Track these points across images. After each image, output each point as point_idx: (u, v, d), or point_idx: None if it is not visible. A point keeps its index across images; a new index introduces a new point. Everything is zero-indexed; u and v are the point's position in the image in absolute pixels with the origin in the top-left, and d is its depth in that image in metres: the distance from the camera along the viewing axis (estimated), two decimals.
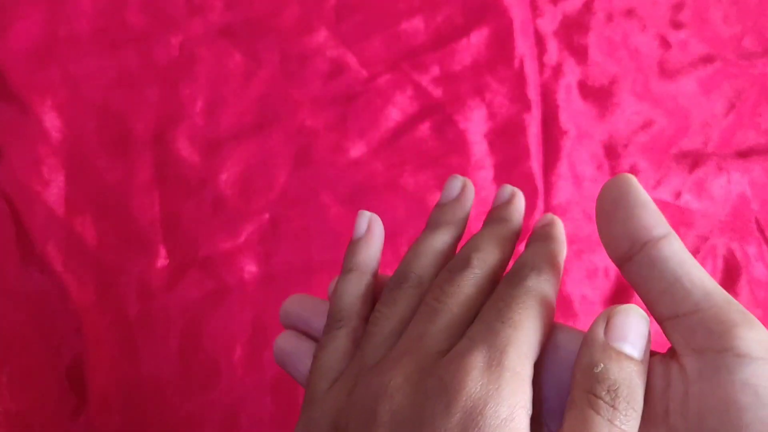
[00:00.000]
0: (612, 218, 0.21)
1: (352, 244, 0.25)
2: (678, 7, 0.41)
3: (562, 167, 0.38)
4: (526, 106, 0.39)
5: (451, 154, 0.38)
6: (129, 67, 0.39)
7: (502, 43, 0.40)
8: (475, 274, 0.22)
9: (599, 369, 0.18)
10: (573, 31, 0.41)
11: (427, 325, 0.21)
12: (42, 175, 0.37)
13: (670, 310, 0.19)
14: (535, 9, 0.41)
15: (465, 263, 0.23)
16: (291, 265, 0.37)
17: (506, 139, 0.39)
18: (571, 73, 0.40)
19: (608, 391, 0.18)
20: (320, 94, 0.39)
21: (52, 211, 0.37)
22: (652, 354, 0.20)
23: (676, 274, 0.19)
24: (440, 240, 0.25)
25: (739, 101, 0.40)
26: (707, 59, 0.41)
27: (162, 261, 0.37)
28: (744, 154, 0.40)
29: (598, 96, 0.40)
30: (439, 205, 0.26)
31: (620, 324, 0.19)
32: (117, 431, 0.34)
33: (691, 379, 0.18)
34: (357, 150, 0.39)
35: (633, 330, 0.19)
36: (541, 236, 0.24)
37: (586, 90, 0.40)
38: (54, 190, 0.37)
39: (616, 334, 0.19)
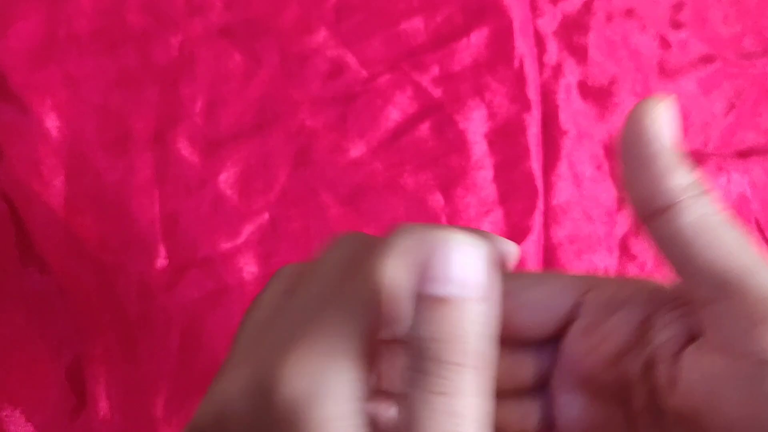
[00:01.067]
0: (634, 175, 0.17)
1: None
2: (678, 7, 0.41)
3: (562, 167, 0.39)
4: (526, 106, 0.39)
5: (451, 154, 0.38)
6: (129, 67, 0.39)
7: (502, 43, 0.40)
8: None
9: (411, 330, 0.14)
10: (573, 31, 0.41)
11: None
12: (42, 175, 0.37)
13: (688, 292, 0.16)
14: (535, 9, 0.41)
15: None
16: None
17: (506, 139, 0.39)
18: (571, 73, 0.40)
19: (418, 356, 0.14)
20: (320, 94, 0.39)
21: (52, 211, 0.37)
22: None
23: (689, 253, 0.16)
24: None
25: (739, 101, 0.40)
26: (707, 59, 0.41)
27: (162, 261, 0.37)
28: (744, 154, 0.40)
29: (598, 96, 0.40)
30: None
31: (434, 263, 0.14)
32: (117, 431, 0.34)
33: (710, 372, 0.16)
34: (357, 150, 0.39)
35: (448, 263, 0.14)
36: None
37: (586, 90, 0.40)
38: (54, 190, 0.37)
39: (426, 276, 0.14)
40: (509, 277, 0.19)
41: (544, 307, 0.19)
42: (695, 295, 0.16)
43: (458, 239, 0.14)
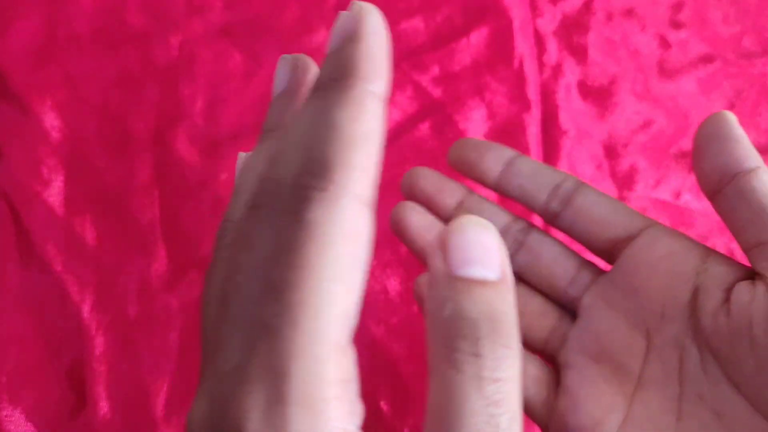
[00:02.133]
0: (706, 152, 0.21)
1: (274, 101, 0.20)
2: (677, 7, 0.41)
3: (562, 167, 0.39)
4: (526, 106, 0.39)
5: None
6: (129, 67, 0.39)
7: (501, 43, 0.40)
8: None
9: (448, 312, 0.14)
10: (572, 31, 0.41)
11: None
12: (42, 175, 0.37)
13: (755, 238, 0.20)
14: (534, 9, 0.41)
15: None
16: None
17: (506, 138, 0.39)
18: (571, 73, 0.40)
19: (466, 337, 0.14)
20: None
21: (52, 211, 0.37)
22: (741, 278, 0.20)
23: (762, 203, 0.20)
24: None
25: (738, 101, 0.40)
26: (707, 59, 0.41)
27: (162, 261, 0.37)
28: None
29: (598, 96, 0.40)
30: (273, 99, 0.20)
31: (460, 244, 0.15)
32: (117, 431, 0.34)
33: None
34: None
35: (478, 245, 0.15)
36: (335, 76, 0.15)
37: (585, 90, 0.40)
38: (54, 190, 0.37)
39: (458, 259, 0.14)
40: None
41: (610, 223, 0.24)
42: (756, 239, 0.20)
43: (477, 221, 0.15)
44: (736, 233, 0.21)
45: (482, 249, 0.15)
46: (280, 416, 0.12)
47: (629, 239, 0.23)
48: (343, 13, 0.16)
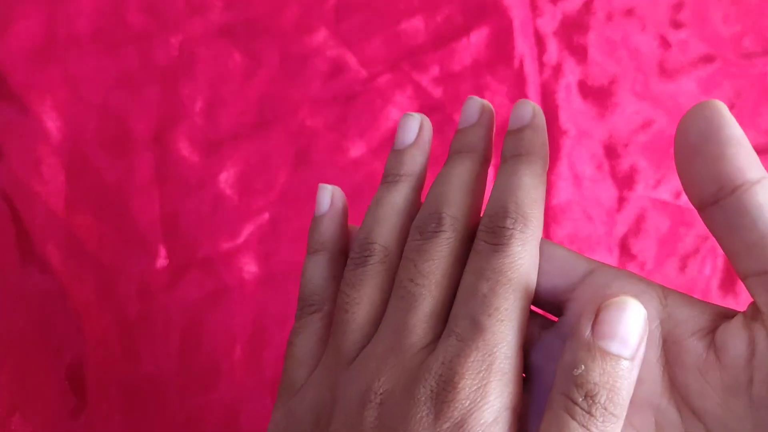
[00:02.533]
0: (698, 154, 0.17)
1: (315, 222, 0.24)
2: (678, 7, 0.41)
3: (562, 167, 0.39)
4: None
5: None
6: (129, 67, 0.39)
7: (502, 43, 0.40)
8: (449, 239, 0.20)
9: (579, 371, 0.17)
10: (573, 31, 0.41)
11: (407, 315, 0.19)
12: (42, 175, 0.37)
13: (757, 265, 0.16)
14: (534, 9, 0.41)
15: (436, 225, 0.20)
16: (291, 265, 0.37)
17: None
18: (571, 73, 0.40)
19: (585, 396, 0.16)
20: (320, 94, 0.39)
21: (52, 211, 0.37)
22: (732, 315, 0.18)
23: (760, 224, 0.16)
24: (401, 196, 0.23)
25: (739, 101, 0.40)
26: (707, 59, 0.41)
27: (162, 261, 0.37)
28: None
29: (598, 96, 0.40)
30: (396, 152, 0.24)
31: (610, 319, 0.17)
32: (117, 431, 0.34)
33: None
34: (357, 150, 0.39)
35: (624, 325, 0.17)
36: (519, 152, 0.21)
37: (585, 90, 0.40)
38: (54, 190, 0.37)
39: (603, 331, 0.17)
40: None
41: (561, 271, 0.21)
42: (758, 267, 0.17)
43: (634, 304, 0.17)
44: (733, 255, 0.17)
45: (627, 329, 0.17)
46: None
47: (574, 286, 0.20)
48: (519, 103, 0.22)
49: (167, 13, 0.40)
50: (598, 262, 0.20)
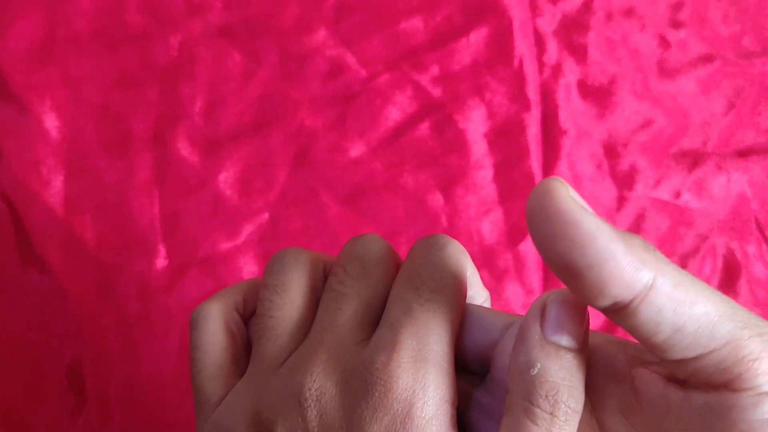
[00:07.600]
0: (577, 275, 0.15)
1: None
2: (677, 7, 0.41)
3: (562, 167, 0.39)
4: (526, 106, 0.39)
5: (450, 153, 0.38)
6: (129, 67, 0.39)
7: (501, 43, 0.40)
8: (382, 245, 0.21)
9: (536, 370, 0.16)
10: (572, 31, 0.41)
11: (337, 314, 0.19)
12: (42, 175, 0.37)
13: (676, 356, 0.15)
14: (534, 8, 0.41)
15: (367, 234, 0.21)
16: None
17: (506, 138, 0.39)
18: (571, 73, 0.40)
19: (546, 397, 0.16)
20: (320, 93, 0.39)
21: (51, 211, 0.37)
22: (652, 366, 0.16)
23: (676, 323, 0.15)
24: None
25: (738, 100, 0.40)
26: (707, 59, 0.41)
27: (162, 261, 0.37)
28: (743, 154, 0.40)
29: (598, 95, 0.40)
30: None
31: (557, 314, 0.17)
32: (117, 431, 0.34)
33: (697, 410, 0.15)
34: (356, 150, 0.39)
35: (570, 317, 0.17)
36: None
37: (585, 89, 0.40)
38: (54, 190, 0.37)
39: (552, 327, 0.17)
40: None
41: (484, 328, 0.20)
42: (676, 357, 0.15)
43: (573, 297, 0.17)
44: (651, 350, 0.16)
45: (574, 321, 0.17)
46: None
47: (495, 342, 0.19)
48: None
49: (167, 13, 0.40)
50: (517, 315, 0.19)
